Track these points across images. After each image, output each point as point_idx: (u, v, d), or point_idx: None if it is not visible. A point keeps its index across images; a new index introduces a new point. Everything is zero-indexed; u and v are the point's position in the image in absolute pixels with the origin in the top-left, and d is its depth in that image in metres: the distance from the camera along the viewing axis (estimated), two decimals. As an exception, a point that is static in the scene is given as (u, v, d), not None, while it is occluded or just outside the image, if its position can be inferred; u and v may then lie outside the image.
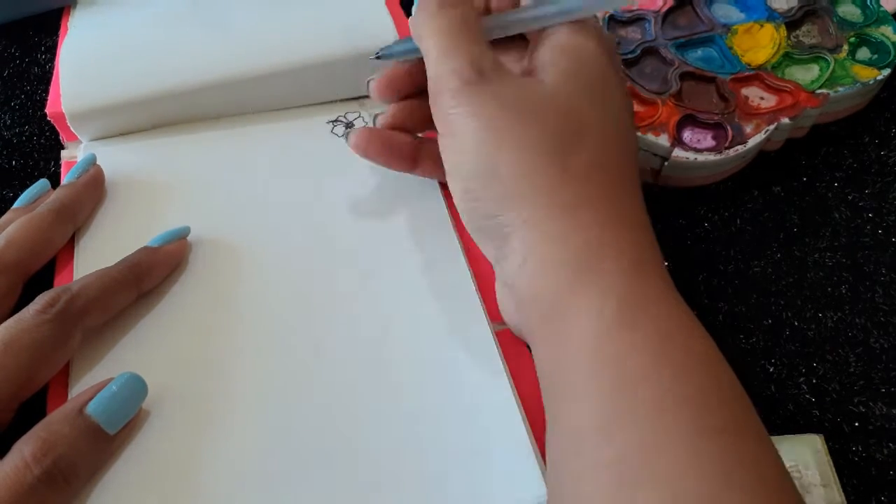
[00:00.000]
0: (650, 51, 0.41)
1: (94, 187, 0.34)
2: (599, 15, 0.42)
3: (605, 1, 0.29)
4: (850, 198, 0.38)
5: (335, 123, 0.38)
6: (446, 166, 0.28)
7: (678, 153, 0.36)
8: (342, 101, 0.40)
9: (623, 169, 0.27)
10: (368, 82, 0.32)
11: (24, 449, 0.24)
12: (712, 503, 0.19)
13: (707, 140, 0.37)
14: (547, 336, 0.25)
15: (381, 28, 0.39)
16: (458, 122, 0.26)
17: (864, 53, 0.41)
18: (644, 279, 0.24)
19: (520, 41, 0.30)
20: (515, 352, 0.30)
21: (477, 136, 0.26)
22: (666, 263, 0.35)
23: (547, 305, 0.25)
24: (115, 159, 0.36)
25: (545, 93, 0.26)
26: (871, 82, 0.39)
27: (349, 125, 0.38)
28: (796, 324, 0.34)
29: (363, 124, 0.38)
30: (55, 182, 0.36)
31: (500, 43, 0.30)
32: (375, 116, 0.33)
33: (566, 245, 0.24)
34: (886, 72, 0.39)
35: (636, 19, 0.42)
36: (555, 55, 0.27)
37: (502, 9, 0.30)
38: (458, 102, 0.26)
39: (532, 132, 0.25)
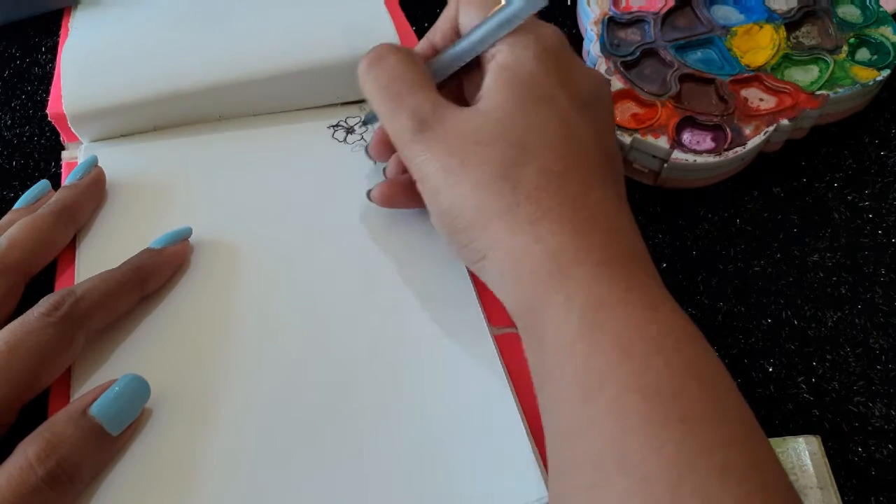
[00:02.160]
0: (649, 52, 0.41)
1: (96, 189, 0.34)
2: (597, 19, 0.42)
3: (515, 12, 0.29)
4: (849, 198, 0.38)
5: (336, 128, 0.39)
6: (427, 208, 0.30)
7: (677, 155, 0.36)
8: (342, 104, 0.40)
9: (583, 173, 0.27)
10: (368, 193, 0.34)
11: (28, 449, 0.24)
12: (679, 486, 0.20)
13: (706, 142, 0.37)
14: (529, 346, 0.26)
15: (380, 30, 0.39)
16: (419, 171, 0.28)
17: (863, 54, 0.41)
18: (608, 280, 0.24)
19: (479, 69, 0.31)
20: (515, 356, 0.30)
21: (436, 179, 0.28)
22: (664, 263, 0.36)
23: (524, 317, 0.26)
24: (115, 160, 0.36)
25: (484, 120, 0.28)
26: (870, 83, 0.39)
27: (350, 130, 0.38)
28: (796, 323, 0.34)
29: (364, 130, 0.38)
30: (56, 183, 0.36)
31: (464, 74, 0.31)
32: (384, 170, 0.35)
33: (531, 258, 0.26)
34: (886, 72, 0.39)
35: (635, 21, 0.42)
36: (494, 77, 0.29)
37: (446, 45, 0.32)
38: (413, 154, 0.28)
39: (478, 162, 0.27)
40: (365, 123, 0.38)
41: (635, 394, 0.22)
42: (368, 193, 0.34)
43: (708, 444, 0.21)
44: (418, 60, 0.31)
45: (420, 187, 0.29)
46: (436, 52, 0.32)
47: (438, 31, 0.33)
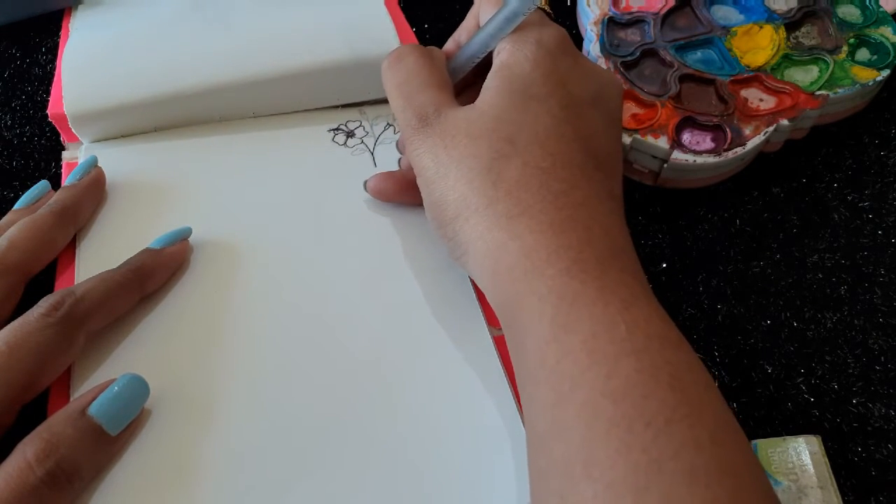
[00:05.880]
0: (649, 53, 0.41)
1: (96, 189, 0.34)
2: (596, 19, 0.42)
3: (513, 10, 0.30)
4: (849, 198, 0.38)
5: (336, 132, 0.39)
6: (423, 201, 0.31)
7: (677, 155, 0.36)
8: (343, 107, 0.40)
9: (569, 171, 0.27)
10: (365, 183, 0.36)
11: (27, 450, 0.24)
12: (645, 490, 0.20)
13: (706, 142, 0.37)
14: (511, 344, 0.26)
15: (380, 31, 0.39)
16: (417, 165, 0.30)
17: (863, 54, 0.41)
18: (582, 279, 0.24)
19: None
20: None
21: (429, 172, 0.29)
22: (664, 263, 0.36)
23: (504, 314, 0.26)
24: (115, 161, 0.36)
25: (478, 115, 0.28)
26: (870, 83, 0.39)
27: (350, 134, 0.38)
28: (795, 324, 0.34)
29: (364, 133, 0.38)
30: (56, 183, 0.36)
31: (484, 72, 0.31)
32: (399, 161, 0.37)
33: (507, 255, 0.26)
34: (886, 73, 0.39)
35: (635, 21, 0.42)
36: (493, 76, 0.30)
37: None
38: (413, 148, 0.30)
39: (465, 155, 0.28)
40: None
41: (605, 398, 0.22)
42: (365, 184, 0.35)
43: (676, 448, 0.20)
44: (437, 60, 0.32)
45: (418, 181, 0.30)
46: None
47: (464, 29, 0.34)
